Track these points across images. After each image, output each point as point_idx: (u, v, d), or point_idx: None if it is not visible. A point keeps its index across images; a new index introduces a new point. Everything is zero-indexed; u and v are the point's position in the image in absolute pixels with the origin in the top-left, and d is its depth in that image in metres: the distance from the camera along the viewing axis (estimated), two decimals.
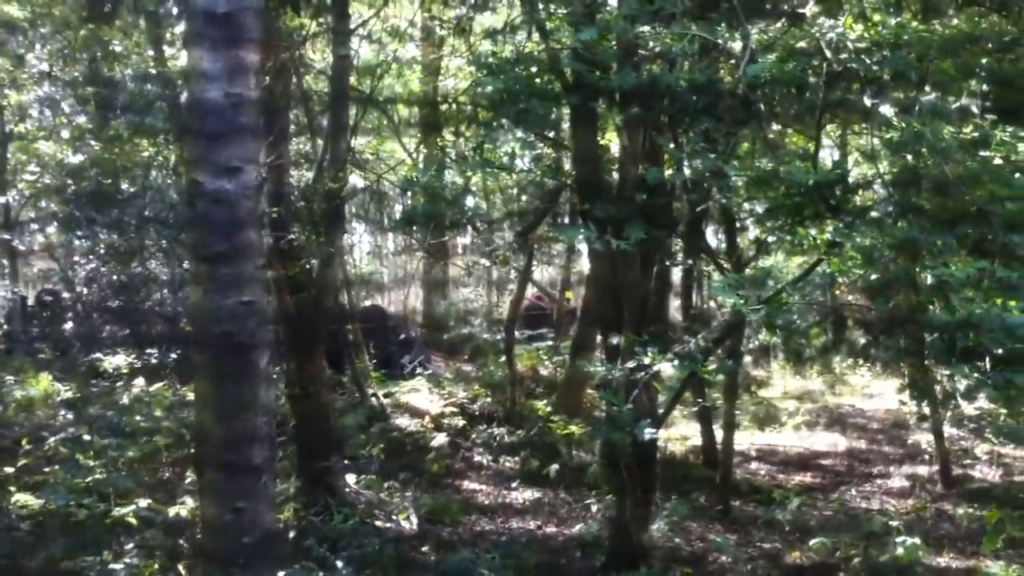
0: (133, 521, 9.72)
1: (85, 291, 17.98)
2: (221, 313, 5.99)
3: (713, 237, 14.95)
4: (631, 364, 7.24)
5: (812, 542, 10.60)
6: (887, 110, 6.76)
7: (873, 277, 9.54)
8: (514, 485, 13.58)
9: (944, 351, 6.62)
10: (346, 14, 11.77)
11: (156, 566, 8.89)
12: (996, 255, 6.44)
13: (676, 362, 7.19)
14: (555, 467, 13.59)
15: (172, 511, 10.46)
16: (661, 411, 9.52)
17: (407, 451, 14.53)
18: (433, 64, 17.00)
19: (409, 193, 13.27)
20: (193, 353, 6.41)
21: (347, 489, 12.05)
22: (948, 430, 14.44)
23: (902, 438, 16.33)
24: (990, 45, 9.06)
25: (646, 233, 7.76)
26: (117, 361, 15.33)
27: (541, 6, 8.04)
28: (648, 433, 6.97)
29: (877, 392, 20.10)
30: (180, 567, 8.84)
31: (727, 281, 7.44)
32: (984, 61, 9.22)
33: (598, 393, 12.34)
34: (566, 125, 11.59)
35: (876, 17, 8.62)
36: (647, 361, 7.04)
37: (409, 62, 17.13)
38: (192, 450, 12.18)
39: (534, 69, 9.00)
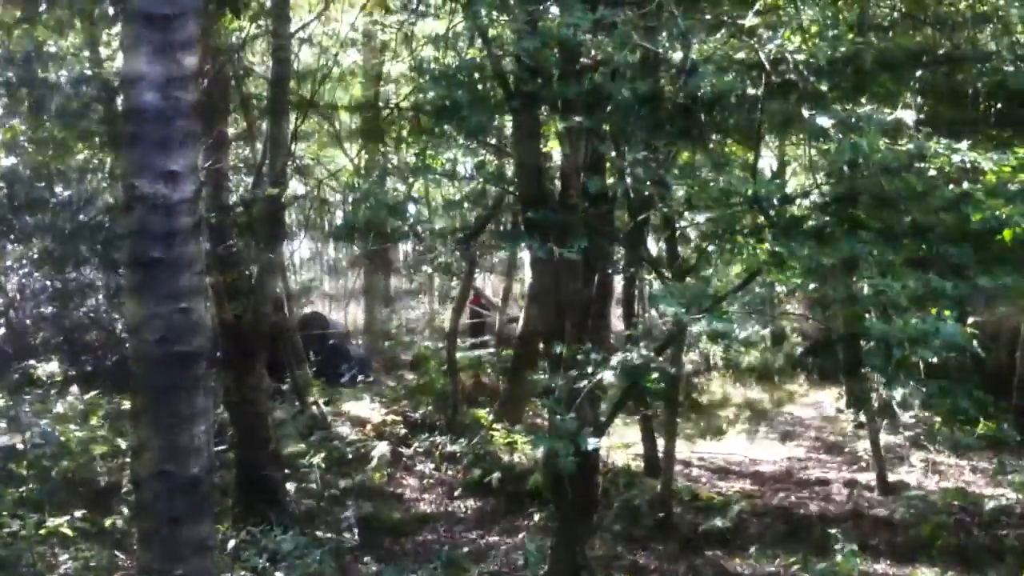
0: (69, 532, 9.54)
1: (18, 297, 17.60)
2: (158, 321, 5.86)
3: (654, 246, 15.02)
4: (574, 373, 7.24)
5: (752, 550, 10.67)
6: (825, 122, 6.82)
7: (812, 287, 9.64)
8: (456, 494, 13.53)
9: (882, 362, 6.71)
10: (286, 17, 11.64)
11: None
12: (932, 267, 6.54)
13: (618, 372, 7.20)
14: (497, 476, 13.56)
15: (108, 522, 10.30)
16: (603, 420, 9.53)
17: (348, 460, 14.40)
18: (374, 70, 16.88)
19: (350, 200, 13.17)
20: (129, 362, 6.27)
21: (287, 499, 11.94)
22: (884, 438, 14.64)
23: (840, 446, 16.52)
24: (924, 59, 9.23)
25: (589, 242, 7.76)
26: (51, 368, 15.01)
27: (484, 13, 7.98)
28: (591, 443, 6.97)
29: (815, 400, 20.33)
30: None
31: (668, 290, 7.47)
32: (919, 75, 9.41)
33: (541, 402, 12.35)
34: (509, 132, 11.59)
35: (814, 29, 8.75)
36: (590, 370, 7.05)
37: (350, 67, 16.99)
38: (128, 460, 12.06)
39: (476, 76, 8.97)
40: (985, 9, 9.96)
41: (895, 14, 10.87)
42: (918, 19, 10.34)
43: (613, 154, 8.52)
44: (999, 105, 9.73)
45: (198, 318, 6.11)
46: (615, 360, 7.20)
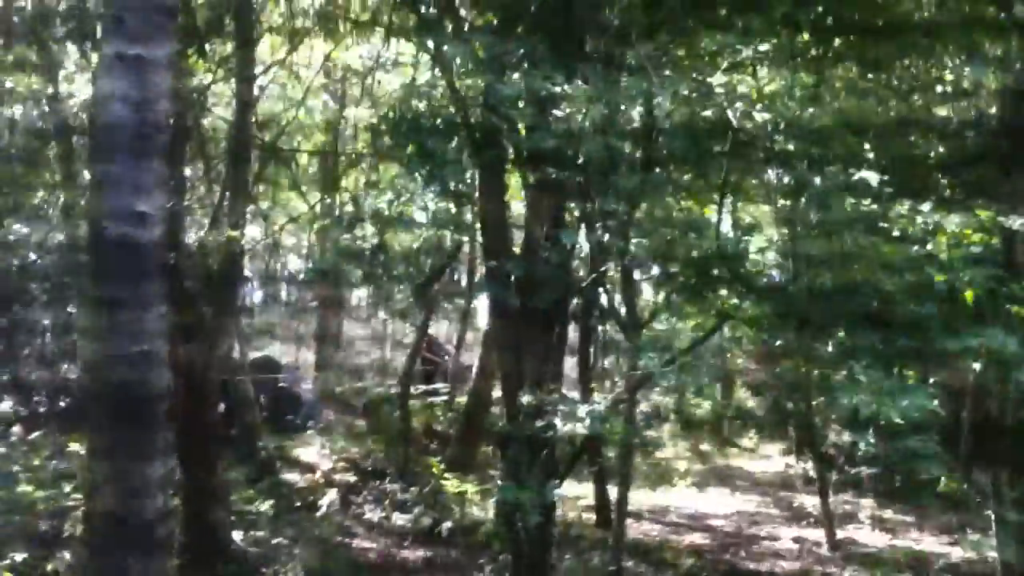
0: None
1: None
2: (119, 362, 5.80)
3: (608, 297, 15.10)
4: (539, 423, 7.24)
5: None
6: (787, 181, 6.96)
7: (778, 343, 9.76)
8: (407, 543, 13.39)
9: (850, 421, 6.79)
10: (251, 61, 11.66)
11: None
12: (895, 326, 6.67)
13: (587, 423, 7.21)
14: (448, 525, 13.45)
15: (50, 566, 10.09)
16: (561, 470, 9.53)
17: (297, 507, 14.22)
18: (335, 117, 16.95)
19: (307, 246, 13.15)
20: (86, 402, 6.18)
21: (233, 547, 11.75)
22: (832, 494, 14.77)
23: (789, 500, 16.63)
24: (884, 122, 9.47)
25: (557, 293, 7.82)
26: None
27: (457, 63, 8.08)
28: (555, 494, 6.97)
29: (764, 454, 20.48)
30: None
31: (640, 343, 7.53)
32: (880, 137, 9.62)
33: (495, 450, 12.31)
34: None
35: (772, 86, 8.94)
36: (557, 421, 7.06)
37: (311, 112, 17.03)
38: (71, 503, 11.84)
39: (440, 125, 9.03)
40: (941, 76, 10.24)
41: (854, 77, 11.13)
42: (879, 84, 10.58)
43: (585, 207, 8.59)
44: (956, 169, 9.98)
45: (158, 360, 6.07)
46: (582, 410, 7.23)
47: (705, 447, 20.52)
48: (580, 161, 7.81)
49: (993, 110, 11.26)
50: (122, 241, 5.76)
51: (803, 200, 6.92)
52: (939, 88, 11.08)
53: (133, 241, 5.74)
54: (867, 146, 8.89)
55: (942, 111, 11.66)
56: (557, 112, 7.38)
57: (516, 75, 7.61)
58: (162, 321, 6.11)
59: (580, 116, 7.66)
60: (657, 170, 8.54)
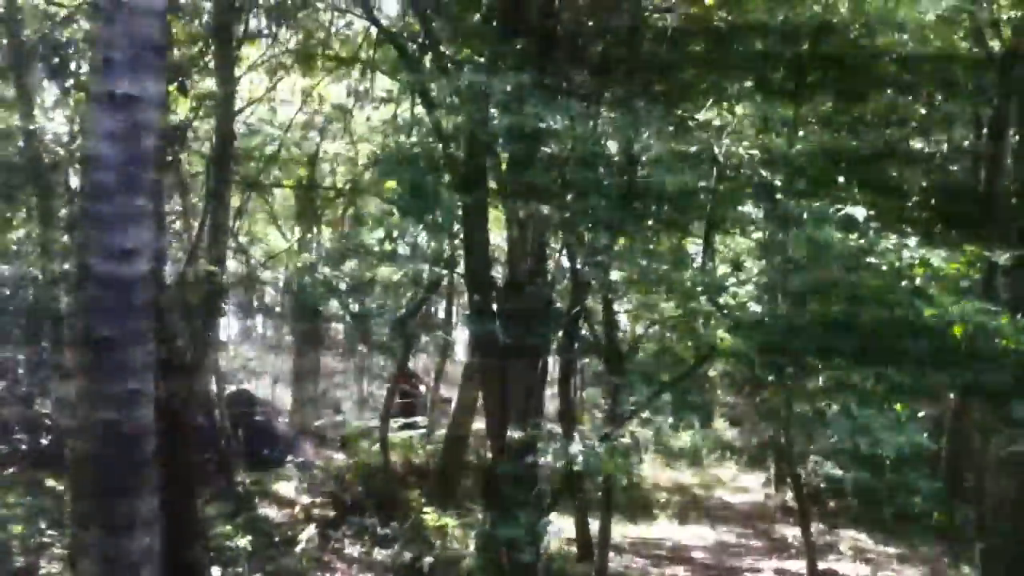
0: None
1: None
2: (107, 401, 5.78)
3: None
4: (530, 459, 7.23)
5: None
6: (772, 214, 7.03)
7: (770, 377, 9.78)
8: None
9: (848, 455, 6.82)
10: (232, 96, 11.69)
11: None
12: (885, 360, 6.72)
13: (580, 459, 7.20)
14: (429, 560, 13.36)
15: None
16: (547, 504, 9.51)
17: (275, 542, 14.08)
18: (315, 151, 16.96)
19: (285, 281, 13.11)
20: (70, 441, 6.15)
21: None
22: (814, 525, 14.78)
23: (769, 532, 16.64)
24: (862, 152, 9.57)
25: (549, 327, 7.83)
26: None
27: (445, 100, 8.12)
28: (552, 531, 6.96)
29: (743, 485, 20.50)
30: None
31: (630, 378, 7.55)
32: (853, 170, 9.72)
33: (487, 488, 12.24)
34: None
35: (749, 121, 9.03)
36: (549, 457, 7.06)
37: (290, 147, 17.05)
38: (46, 540, 11.70)
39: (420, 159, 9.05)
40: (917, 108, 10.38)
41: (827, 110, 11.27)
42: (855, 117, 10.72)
43: (574, 241, 8.63)
44: (941, 202, 10.10)
45: (147, 397, 6.05)
46: (574, 446, 7.22)
47: (685, 478, 20.51)
48: (563, 193, 7.85)
49: (967, 143, 11.45)
50: (108, 278, 5.75)
51: (789, 233, 6.98)
52: (913, 124, 11.23)
53: (119, 278, 5.73)
54: (841, 179, 9.03)
55: (918, 144, 11.82)
56: (545, 148, 7.42)
57: (499, 111, 7.66)
58: (150, 358, 6.11)
59: (564, 148, 7.72)
60: (638, 204, 8.60)
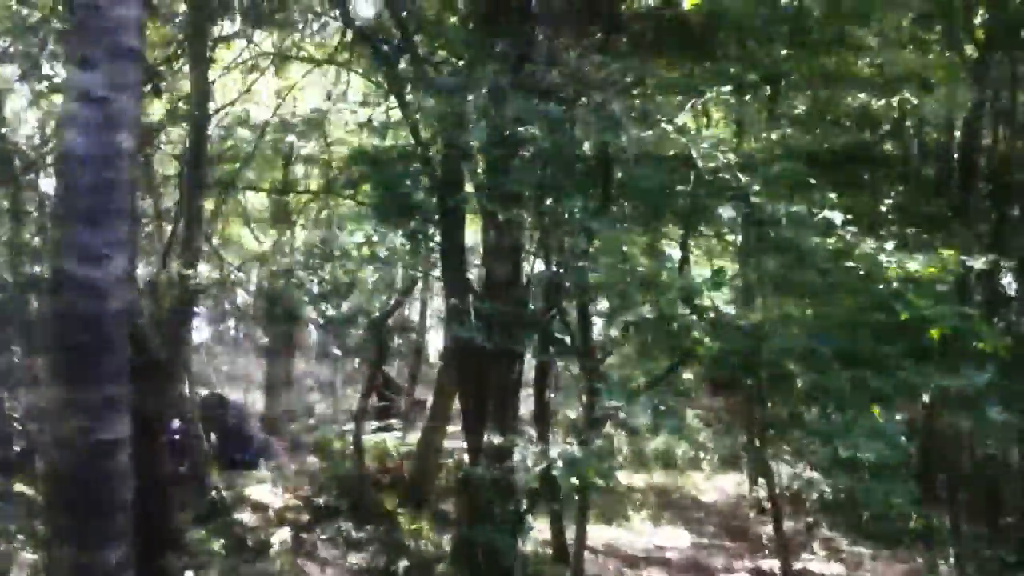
0: None
1: None
2: (82, 409, 5.70)
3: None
4: (511, 463, 7.20)
5: None
6: (750, 219, 7.05)
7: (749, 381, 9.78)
8: None
9: (827, 459, 6.83)
10: (206, 99, 11.61)
11: None
12: (863, 364, 6.74)
13: (558, 465, 7.17)
14: (404, 563, 13.31)
15: None
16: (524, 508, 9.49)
17: (249, 547, 13.99)
18: (289, 153, 16.87)
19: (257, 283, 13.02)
20: (48, 450, 6.07)
21: None
22: (787, 524, 14.83)
23: (743, 531, 16.67)
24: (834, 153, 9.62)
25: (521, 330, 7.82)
26: None
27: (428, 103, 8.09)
28: (531, 535, 6.94)
29: (717, 486, 20.53)
30: None
31: (609, 383, 7.53)
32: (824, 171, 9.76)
33: (463, 493, 12.22)
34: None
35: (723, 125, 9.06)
36: (529, 463, 7.04)
37: (264, 149, 16.95)
38: (14, 546, 11.57)
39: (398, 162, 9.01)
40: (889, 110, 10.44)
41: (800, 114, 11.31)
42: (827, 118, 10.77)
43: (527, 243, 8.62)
44: (915, 204, 10.15)
45: (121, 405, 5.98)
46: (553, 452, 7.19)
47: (659, 480, 20.52)
48: (540, 196, 7.83)
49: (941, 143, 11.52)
50: (82, 283, 5.67)
51: (768, 235, 6.99)
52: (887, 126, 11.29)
53: (93, 282, 5.65)
54: (814, 182, 9.08)
55: (888, 146, 11.89)
56: (524, 153, 7.40)
57: (476, 115, 7.64)
58: (125, 365, 6.03)
59: (541, 150, 7.70)
60: (614, 209, 8.60)
